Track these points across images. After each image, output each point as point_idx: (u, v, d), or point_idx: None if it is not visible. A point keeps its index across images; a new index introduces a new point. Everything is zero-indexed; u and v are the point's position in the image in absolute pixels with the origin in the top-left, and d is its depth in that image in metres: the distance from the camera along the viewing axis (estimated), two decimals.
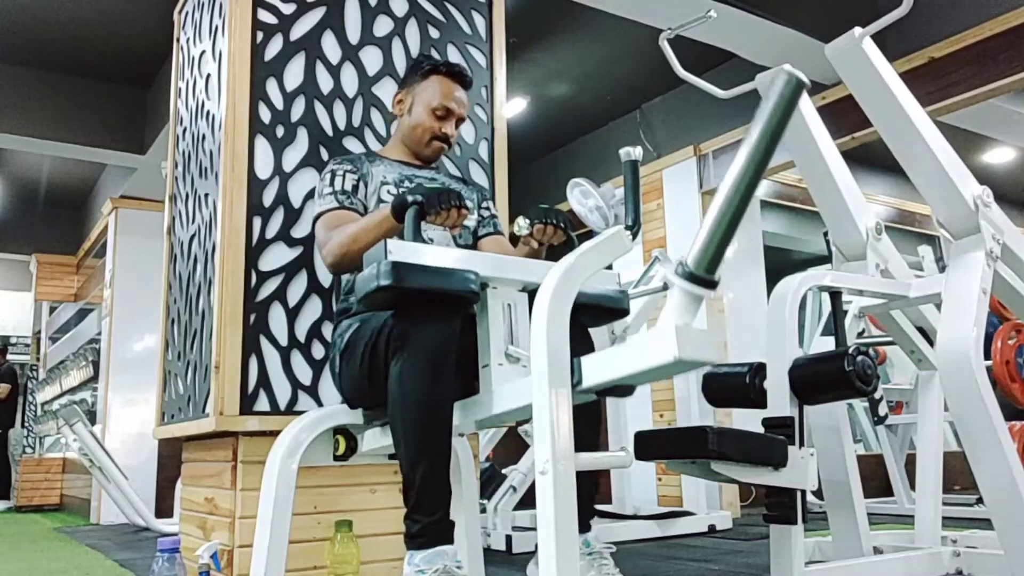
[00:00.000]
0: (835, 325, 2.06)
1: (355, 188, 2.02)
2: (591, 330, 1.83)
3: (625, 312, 1.79)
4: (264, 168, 2.25)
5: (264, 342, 2.16)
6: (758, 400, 1.87)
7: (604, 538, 1.75)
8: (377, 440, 1.91)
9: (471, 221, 1.75)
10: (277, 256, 2.22)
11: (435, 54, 2.58)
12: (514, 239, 1.96)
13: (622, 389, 1.44)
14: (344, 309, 2.03)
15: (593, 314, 1.76)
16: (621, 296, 1.77)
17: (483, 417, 1.63)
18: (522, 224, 1.83)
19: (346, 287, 2.06)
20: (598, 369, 1.36)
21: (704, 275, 1.29)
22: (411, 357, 1.57)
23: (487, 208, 2.22)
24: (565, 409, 1.29)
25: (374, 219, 1.84)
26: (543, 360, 1.30)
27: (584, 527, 1.68)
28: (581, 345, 1.69)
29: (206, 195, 2.41)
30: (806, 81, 1.36)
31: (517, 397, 1.52)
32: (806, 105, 2.34)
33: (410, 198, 1.65)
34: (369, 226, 1.84)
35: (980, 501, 3.56)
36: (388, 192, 2.04)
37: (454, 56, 2.62)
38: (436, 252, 1.60)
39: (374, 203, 2.03)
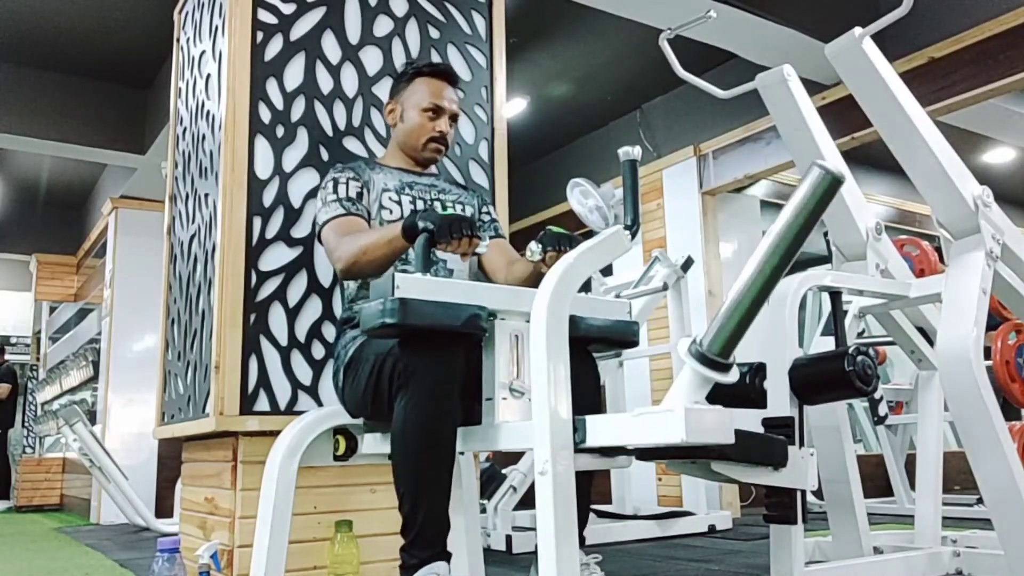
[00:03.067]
0: (835, 325, 2.06)
1: (359, 195, 2.02)
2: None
3: (634, 343, 1.79)
4: (264, 168, 2.25)
5: (264, 342, 2.16)
6: (758, 400, 1.86)
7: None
8: (377, 446, 1.91)
9: (483, 248, 1.76)
10: (277, 256, 2.22)
11: (435, 54, 2.58)
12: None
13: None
14: (348, 318, 2.03)
15: (602, 344, 1.78)
16: (630, 328, 1.77)
17: (484, 448, 1.64)
18: (534, 250, 1.80)
19: (350, 295, 2.06)
20: (602, 433, 1.36)
21: (717, 358, 1.28)
22: (416, 396, 1.57)
23: (487, 213, 2.22)
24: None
25: (385, 236, 1.83)
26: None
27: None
28: (587, 374, 1.70)
29: (206, 195, 2.41)
30: (842, 178, 1.31)
31: (520, 440, 1.54)
32: (806, 105, 2.34)
33: (421, 224, 1.65)
34: (380, 242, 1.83)
35: (980, 501, 3.56)
36: (389, 199, 2.04)
37: (454, 56, 2.62)
38: (444, 286, 1.59)
39: (376, 210, 2.03)
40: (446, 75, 2.16)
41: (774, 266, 1.30)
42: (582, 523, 1.72)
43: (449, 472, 1.61)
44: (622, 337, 1.76)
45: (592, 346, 1.76)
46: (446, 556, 1.58)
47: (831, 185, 1.32)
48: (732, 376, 1.31)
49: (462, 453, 2.00)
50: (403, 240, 1.76)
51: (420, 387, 1.57)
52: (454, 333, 1.57)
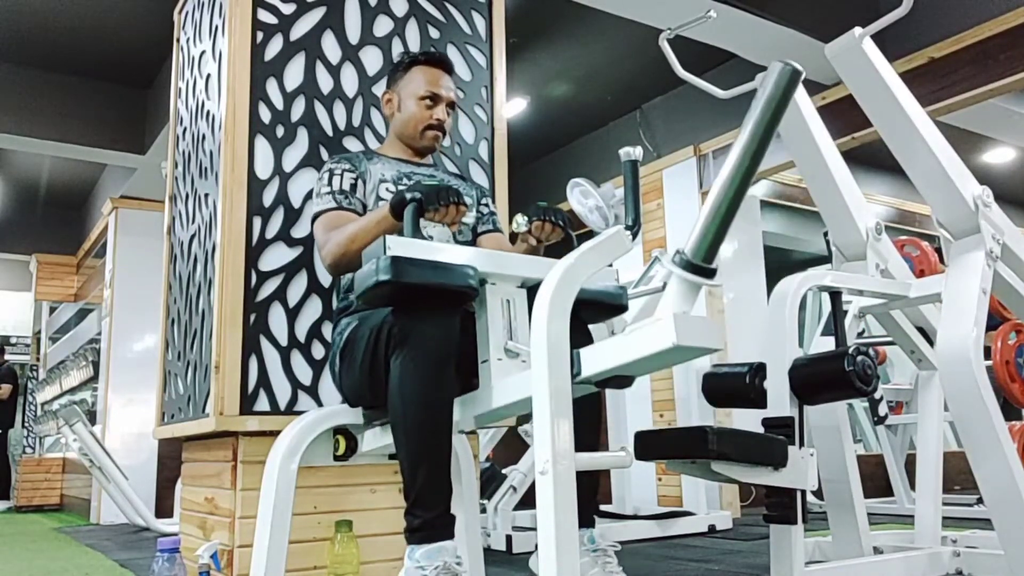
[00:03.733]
0: (835, 325, 2.06)
1: (353, 187, 2.01)
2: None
3: (624, 308, 1.80)
4: (264, 168, 2.25)
5: (264, 342, 2.16)
6: (758, 400, 1.87)
7: (604, 538, 1.75)
8: (377, 440, 1.91)
9: (470, 218, 1.76)
10: (277, 256, 2.22)
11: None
12: (513, 237, 1.96)
13: (621, 380, 1.45)
14: (343, 307, 2.03)
15: (593, 310, 1.76)
16: (620, 292, 1.78)
17: (483, 412, 1.63)
18: (520, 221, 1.83)
19: (345, 285, 2.06)
20: (597, 359, 1.37)
21: (702, 264, 1.30)
22: (411, 354, 1.57)
23: (486, 205, 2.22)
24: (565, 401, 1.29)
25: (373, 218, 1.84)
26: (543, 352, 1.31)
27: (588, 522, 1.68)
28: (581, 341, 1.69)
29: (206, 195, 2.41)
30: (800, 69, 1.37)
31: (517, 390, 1.53)
32: (806, 105, 2.34)
33: (408, 195, 1.66)
34: (368, 225, 1.83)
35: (980, 501, 3.56)
36: (387, 190, 2.04)
37: (454, 56, 2.62)
38: (435, 248, 1.60)
39: (373, 201, 2.03)
40: (442, 63, 2.16)
41: (748, 165, 1.35)
42: (592, 503, 1.72)
43: (448, 432, 1.60)
44: (612, 301, 1.76)
45: (582, 313, 1.75)
46: (450, 520, 1.57)
47: (792, 77, 1.37)
48: (716, 279, 1.34)
49: (462, 432, 2.00)
50: (391, 219, 1.75)
51: (416, 345, 1.57)
52: (448, 297, 1.57)
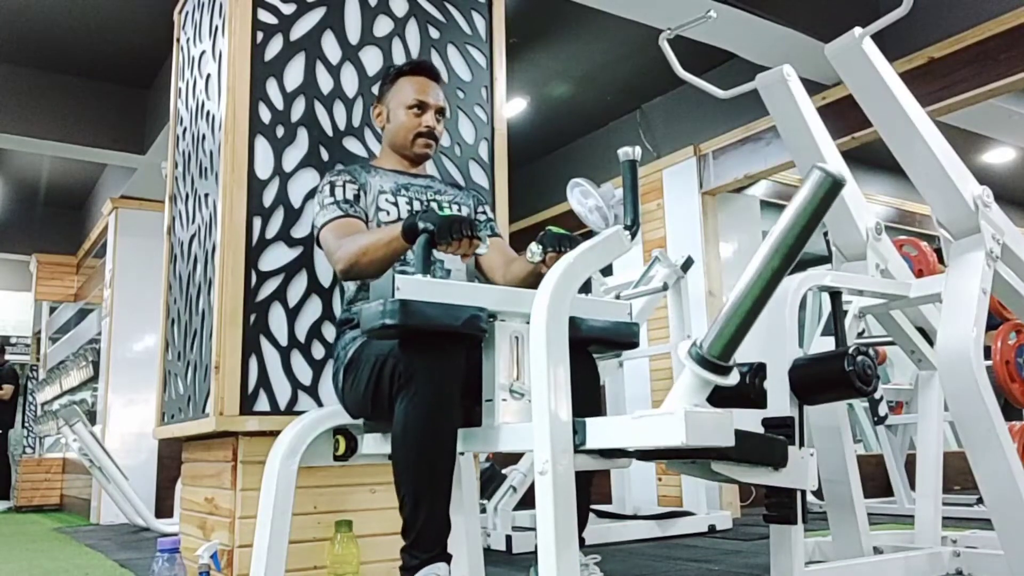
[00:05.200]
0: (835, 325, 2.06)
1: (356, 197, 2.02)
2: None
3: (634, 344, 1.80)
4: (264, 168, 2.25)
5: (264, 342, 2.16)
6: (758, 400, 1.86)
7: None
8: (378, 446, 1.91)
9: (483, 248, 1.76)
10: (277, 256, 2.22)
11: (435, 54, 2.58)
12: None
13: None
14: (347, 319, 2.03)
15: (603, 346, 1.77)
16: (630, 328, 1.77)
17: (484, 450, 1.64)
18: (535, 251, 1.80)
19: (348, 297, 2.07)
20: (602, 435, 1.36)
21: (717, 361, 1.27)
22: (416, 397, 1.58)
23: (483, 212, 2.23)
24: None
25: (385, 237, 1.83)
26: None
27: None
28: (587, 376, 1.70)
29: (206, 195, 2.41)
30: (843, 181, 1.30)
31: (519, 442, 1.54)
32: (806, 105, 2.34)
33: (421, 225, 1.65)
34: (379, 243, 1.83)
35: (980, 501, 3.56)
36: (386, 200, 2.05)
37: (454, 56, 2.62)
38: (444, 287, 1.59)
39: (373, 212, 2.04)
40: (428, 71, 2.17)
41: (775, 269, 1.30)
42: (582, 523, 1.72)
43: (450, 473, 1.61)
44: (622, 338, 1.76)
45: (592, 347, 1.76)
46: (446, 557, 1.58)
47: (832, 188, 1.31)
48: (732, 379, 1.31)
49: (462, 454, 2.00)
50: (403, 241, 1.76)
51: (421, 387, 1.57)
52: (454, 334, 1.57)
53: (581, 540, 1.71)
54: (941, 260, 2.86)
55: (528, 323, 1.65)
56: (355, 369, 1.85)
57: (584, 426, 1.36)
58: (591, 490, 1.80)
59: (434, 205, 2.11)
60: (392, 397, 1.63)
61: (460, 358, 1.61)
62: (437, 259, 1.98)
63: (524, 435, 1.51)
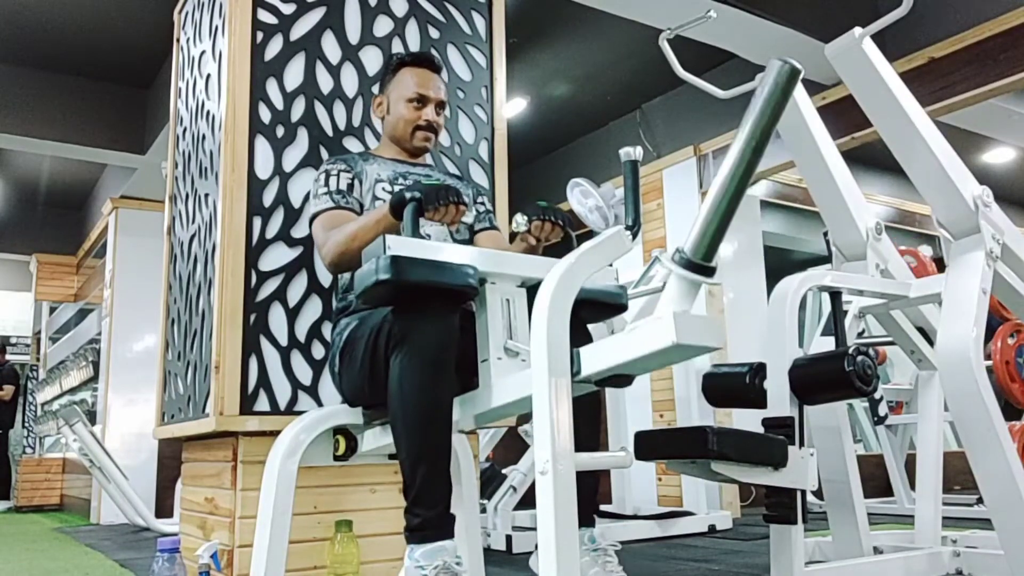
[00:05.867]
0: (835, 325, 2.06)
1: (350, 187, 2.02)
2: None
3: (624, 307, 1.80)
4: (264, 168, 2.25)
5: (264, 342, 2.16)
6: (758, 400, 1.87)
7: (604, 538, 1.75)
8: (377, 440, 1.91)
9: (469, 217, 1.76)
10: (277, 256, 2.22)
11: (435, 54, 2.57)
12: (512, 236, 1.97)
13: (621, 379, 1.45)
14: (343, 307, 2.03)
15: (592, 310, 1.76)
16: (620, 291, 1.78)
17: (482, 411, 1.63)
18: (520, 221, 1.82)
19: (344, 285, 2.07)
20: (597, 358, 1.36)
21: (701, 262, 1.30)
22: (411, 353, 1.57)
23: (482, 203, 2.23)
24: (565, 400, 1.29)
25: (372, 217, 1.84)
26: (543, 351, 1.31)
27: (588, 521, 1.67)
28: (580, 341, 1.69)
29: (206, 195, 2.41)
30: (799, 68, 1.37)
31: (517, 389, 1.53)
32: (806, 105, 2.34)
33: (408, 195, 1.66)
34: (368, 224, 1.84)
35: (980, 501, 3.56)
36: (383, 189, 2.04)
37: (454, 56, 2.62)
38: (435, 247, 1.60)
39: (369, 201, 2.03)
40: (429, 63, 2.17)
41: (747, 163, 1.34)
42: (592, 503, 1.72)
43: (448, 431, 1.60)
44: (612, 300, 1.76)
45: (584, 313, 1.75)
46: (450, 519, 1.57)
47: (791, 75, 1.37)
48: (716, 278, 1.35)
49: (461, 431, 2.00)
50: (391, 218, 1.75)
51: (415, 344, 1.57)
52: (448, 296, 1.57)
53: (592, 520, 1.71)
54: (941, 269, 2.86)
55: (519, 287, 1.67)
56: (351, 349, 1.85)
57: (579, 354, 1.37)
58: (598, 477, 1.79)
59: (422, 178, 2.10)
60: (388, 368, 1.63)
61: (454, 323, 1.61)
62: (426, 234, 1.97)
63: (521, 380, 1.50)
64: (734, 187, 1.33)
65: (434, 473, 1.56)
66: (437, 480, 1.57)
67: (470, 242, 2.11)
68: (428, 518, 1.53)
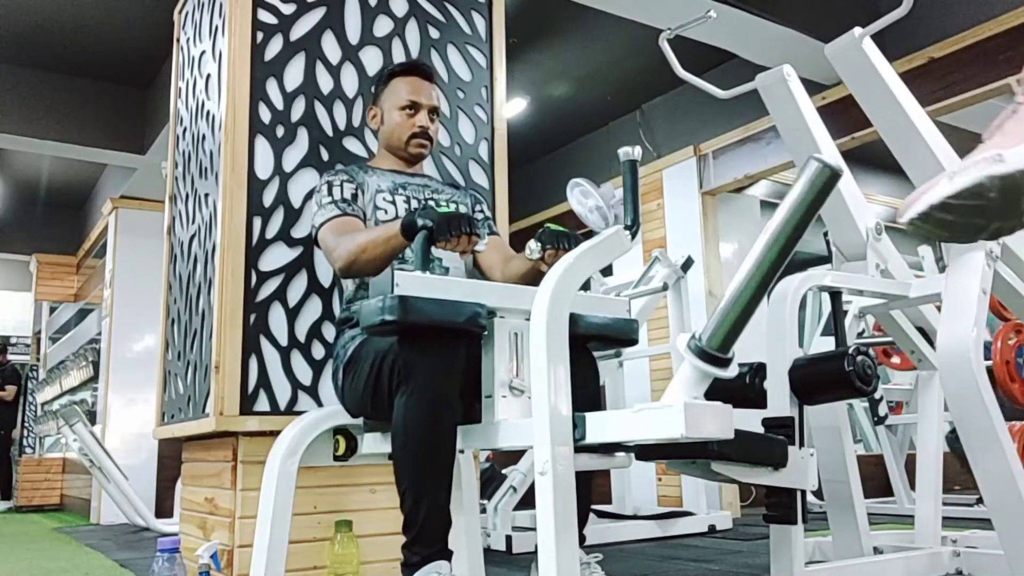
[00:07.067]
0: (835, 325, 2.06)
1: (354, 196, 2.03)
2: None
3: (634, 341, 1.79)
4: (264, 168, 2.25)
5: (264, 342, 2.16)
6: (758, 400, 1.87)
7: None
8: (377, 445, 1.91)
9: (481, 245, 1.77)
10: (277, 256, 2.22)
11: (435, 54, 2.58)
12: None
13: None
14: (346, 319, 2.03)
15: (601, 342, 1.77)
16: (629, 325, 1.77)
17: (485, 447, 1.64)
18: (533, 247, 1.79)
19: (348, 296, 2.07)
20: (601, 429, 1.35)
21: (716, 353, 1.27)
22: (416, 391, 1.57)
23: (481, 211, 2.23)
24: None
25: (384, 234, 1.84)
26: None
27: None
28: (586, 372, 1.70)
29: (206, 195, 2.41)
30: (840, 172, 1.30)
31: (519, 437, 1.54)
32: (806, 105, 2.34)
33: (420, 222, 1.66)
34: (379, 240, 1.84)
35: (980, 501, 3.56)
36: (384, 199, 2.06)
37: (454, 56, 2.62)
38: (444, 284, 1.59)
39: (371, 211, 2.04)
40: (420, 71, 2.17)
41: (772, 261, 1.29)
42: (582, 522, 1.72)
43: (450, 469, 1.61)
44: (621, 335, 1.76)
45: (591, 344, 1.76)
46: (447, 554, 1.58)
47: (829, 179, 1.30)
48: (731, 371, 1.31)
49: (462, 451, 2.00)
50: (402, 238, 1.77)
51: (420, 383, 1.57)
52: (454, 330, 1.57)
53: (582, 538, 1.71)
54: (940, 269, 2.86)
55: (527, 320, 1.65)
56: (354, 367, 1.85)
57: (584, 420, 1.36)
58: (592, 489, 1.80)
59: (432, 203, 2.11)
60: (391, 394, 1.63)
61: (460, 355, 1.61)
62: (436, 257, 1.98)
63: (524, 431, 1.51)
64: (757, 282, 1.28)
65: (436, 511, 1.57)
66: (438, 518, 1.58)
67: (475, 257, 2.11)
68: (427, 555, 1.55)
